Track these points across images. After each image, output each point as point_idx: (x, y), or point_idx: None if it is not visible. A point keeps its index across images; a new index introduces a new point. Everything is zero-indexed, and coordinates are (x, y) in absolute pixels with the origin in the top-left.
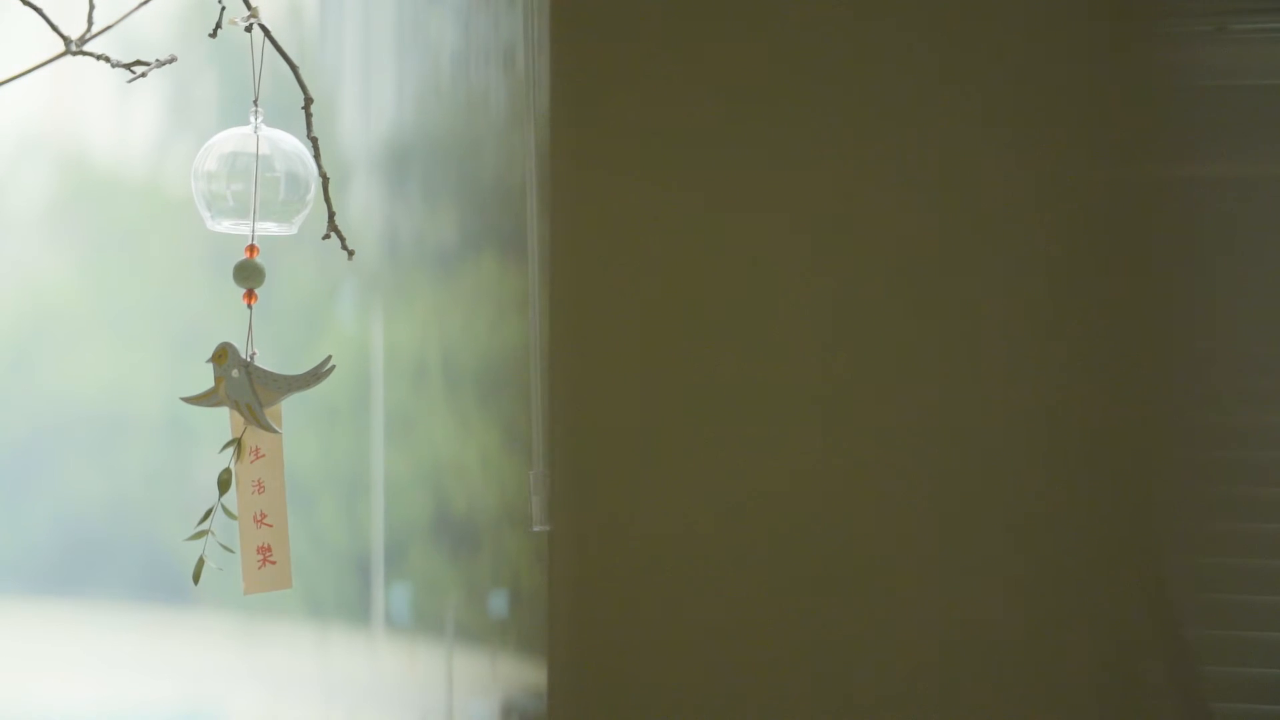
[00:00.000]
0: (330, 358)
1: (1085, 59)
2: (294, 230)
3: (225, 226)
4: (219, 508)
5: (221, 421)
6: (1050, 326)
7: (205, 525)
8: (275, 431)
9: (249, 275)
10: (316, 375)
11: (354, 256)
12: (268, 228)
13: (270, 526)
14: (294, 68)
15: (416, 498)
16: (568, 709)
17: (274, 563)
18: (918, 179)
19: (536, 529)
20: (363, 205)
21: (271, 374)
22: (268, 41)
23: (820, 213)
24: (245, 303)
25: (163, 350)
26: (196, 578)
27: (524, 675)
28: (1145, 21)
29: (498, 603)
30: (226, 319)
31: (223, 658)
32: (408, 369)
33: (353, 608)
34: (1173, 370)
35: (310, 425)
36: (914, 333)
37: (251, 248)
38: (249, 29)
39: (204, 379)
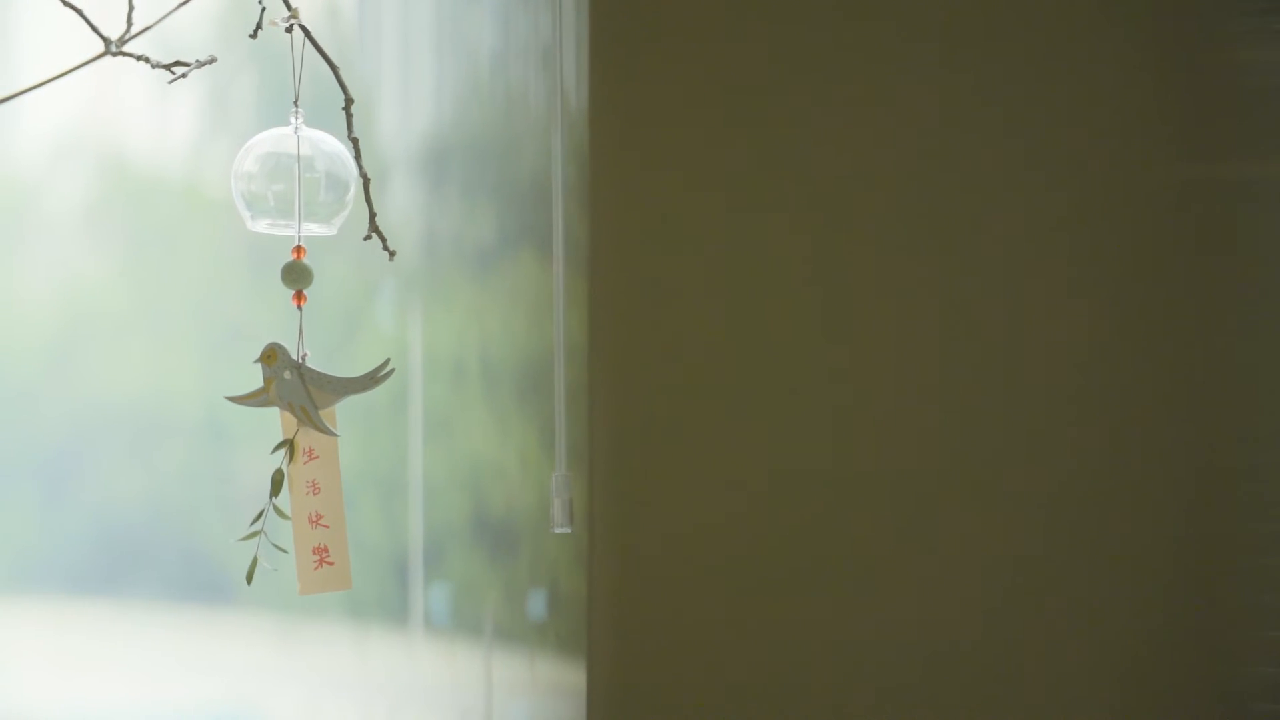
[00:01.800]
0: (389, 361)
1: (1152, 58)
2: (334, 231)
3: (263, 226)
4: (270, 508)
5: (261, 421)
6: (1094, 324)
7: (257, 526)
8: (333, 434)
9: (298, 277)
10: (374, 378)
11: (394, 257)
12: (309, 228)
13: (326, 528)
14: (334, 68)
15: (455, 498)
16: (606, 710)
17: (332, 563)
18: (953, 178)
19: (557, 531)
20: (401, 205)
21: (326, 376)
22: (308, 42)
23: (859, 210)
24: (295, 304)
25: (202, 351)
26: (250, 578)
27: (562, 676)
28: (1207, 21)
29: (536, 603)
30: (266, 319)
31: (262, 658)
32: (446, 369)
33: (392, 608)
34: (1210, 370)
35: (349, 426)
36: (958, 326)
37: (299, 249)
38: (289, 30)
39: (244, 380)
